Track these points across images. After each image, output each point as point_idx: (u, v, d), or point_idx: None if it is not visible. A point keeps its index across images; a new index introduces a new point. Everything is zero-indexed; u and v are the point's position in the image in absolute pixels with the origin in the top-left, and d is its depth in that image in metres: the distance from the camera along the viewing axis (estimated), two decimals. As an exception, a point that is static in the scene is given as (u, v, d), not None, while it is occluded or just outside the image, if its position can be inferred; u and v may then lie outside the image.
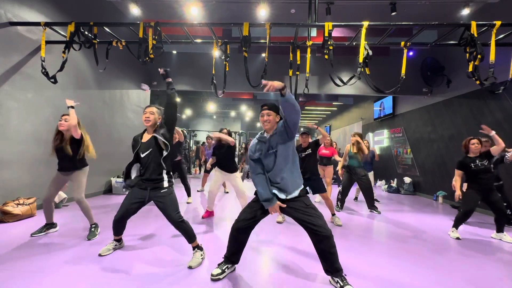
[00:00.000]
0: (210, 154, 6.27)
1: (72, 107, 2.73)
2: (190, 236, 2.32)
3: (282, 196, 2.00)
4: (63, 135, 2.83)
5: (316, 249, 1.99)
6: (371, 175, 5.76)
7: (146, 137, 2.36)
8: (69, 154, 2.75)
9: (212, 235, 3.15)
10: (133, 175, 2.34)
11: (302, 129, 4.08)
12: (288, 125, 1.92)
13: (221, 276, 2.05)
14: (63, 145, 2.77)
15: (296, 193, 2.00)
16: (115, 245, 2.54)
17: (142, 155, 2.29)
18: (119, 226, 2.44)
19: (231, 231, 2.13)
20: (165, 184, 2.30)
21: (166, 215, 2.27)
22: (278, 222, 3.79)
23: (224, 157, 3.85)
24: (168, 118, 2.34)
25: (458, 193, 3.41)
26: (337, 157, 5.19)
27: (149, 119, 2.33)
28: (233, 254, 2.15)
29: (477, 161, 3.35)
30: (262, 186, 2.00)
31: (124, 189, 2.22)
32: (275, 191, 2.01)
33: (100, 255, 2.39)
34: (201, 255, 2.34)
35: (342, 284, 1.93)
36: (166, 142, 2.25)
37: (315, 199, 5.51)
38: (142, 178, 2.31)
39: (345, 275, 1.99)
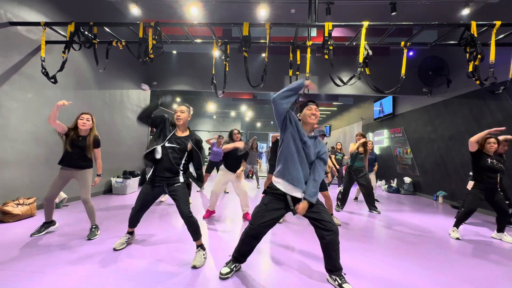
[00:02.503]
0: (219, 152, 6.22)
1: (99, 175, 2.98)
2: (196, 233, 2.36)
3: (299, 195, 1.98)
4: (78, 131, 2.84)
5: (321, 246, 2.00)
6: (372, 175, 5.76)
7: (179, 133, 2.46)
8: (88, 154, 2.84)
9: (213, 235, 3.15)
10: (157, 155, 2.35)
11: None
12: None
13: (229, 275, 2.08)
14: (85, 144, 2.82)
15: (304, 188, 2.00)
16: (128, 238, 2.65)
17: (167, 145, 2.35)
18: (135, 219, 2.58)
19: (245, 235, 2.09)
20: (181, 179, 2.42)
21: (179, 210, 2.35)
22: (278, 222, 3.79)
23: (235, 158, 3.83)
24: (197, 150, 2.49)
25: (488, 131, 3.25)
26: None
27: (180, 117, 2.44)
28: (243, 255, 2.16)
29: (495, 160, 3.30)
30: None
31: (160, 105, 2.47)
32: (292, 190, 1.98)
33: (114, 249, 2.51)
34: (204, 254, 2.35)
35: (340, 282, 1.94)
36: (196, 150, 2.46)
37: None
38: (158, 172, 2.37)
39: (344, 274, 2.01)
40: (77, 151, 2.80)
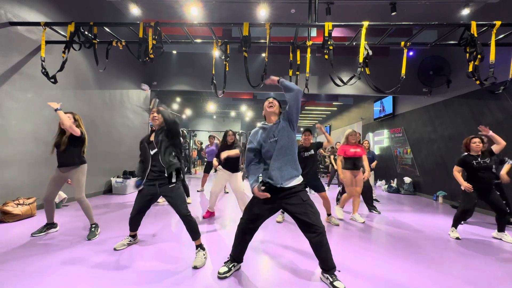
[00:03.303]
0: (212, 152, 6.25)
1: (57, 109, 2.71)
2: (195, 232, 2.36)
3: (277, 184, 1.98)
4: (64, 133, 2.85)
5: (311, 247, 2.00)
6: (371, 175, 5.76)
7: (154, 137, 2.45)
8: (65, 148, 2.79)
9: (213, 235, 3.15)
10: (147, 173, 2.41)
11: (301, 129, 4.01)
12: (290, 109, 1.97)
13: (227, 274, 2.08)
14: (61, 140, 2.80)
15: (292, 183, 1.99)
16: (130, 241, 2.66)
17: (152, 153, 2.38)
18: (134, 223, 2.60)
19: (237, 231, 2.14)
20: (173, 179, 2.40)
21: (175, 209, 2.36)
22: (278, 222, 3.79)
23: (231, 158, 3.81)
24: (171, 134, 2.42)
25: (466, 185, 3.33)
26: (365, 160, 4.03)
27: (156, 118, 2.45)
28: (238, 253, 2.18)
29: (479, 159, 3.35)
30: (253, 175, 2.07)
31: (135, 187, 2.48)
32: (269, 179, 2.00)
33: (115, 249, 2.52)
34: (204, 254, 2.35)
35: (331, 279, 1.96)
36: (166, 142, 2.38)
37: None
38: (152, 174, 2.37)
39: (339, 271, 2.02)
40: (59, 150, 2.82)
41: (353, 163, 3.92)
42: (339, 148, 4.02)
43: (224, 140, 3.92)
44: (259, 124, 2.18)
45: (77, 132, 2.77)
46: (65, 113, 2.87)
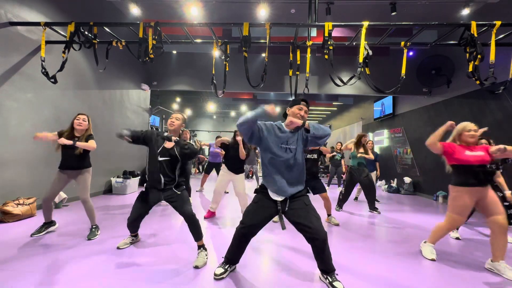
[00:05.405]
0: (216, 154, 6.09)
1: (74, 144, 2.74)
2: (198, 233, 2.36)
3: (280, 197, 1.98)
4: (73, 132, 2.84)
5: (312, 249, 2.00)
6: (373, 175, 5.76)
7: (168, 144, 2.40)
8: (79, 153, 2.80)
9: (213, 235, 3.15)
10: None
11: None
12: (315, 142, 1.97)
13: (224, 276, 2.07)
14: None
15: (296, 190, 2.00)
16: (132, 239, 2.70)
17: (160, 159, 2.36)
18: (133, 226, 2.59)
19: (236, 235, 2.09)
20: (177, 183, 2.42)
21: (180, 211, 2.36)
22: (273, 221, 3.77)
23: (236, 158, 3.83)
24: (186, 156, 2.42)
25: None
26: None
27: (174, 124, 2.45)
28: (235, 256, 2.15)
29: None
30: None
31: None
32: (273, 195, 1.99)
33: (118, 247, 2.55)
34: (206, 255, 2.36)
35: (331, 279, 1.96)
36: (180, 155, 2.38)
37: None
38: (154, 182, 2.37)
39: (337, 274, 2.02)
40: (70, 151, 2.79)
41: (474, 175, 2.42)
42: (442, 150, 2.66)
43: (233, 139, 3.91)
44: (278, 122, 2.09)
45: (94, 147, 2.82)
46: (80, 114, 2.91)
